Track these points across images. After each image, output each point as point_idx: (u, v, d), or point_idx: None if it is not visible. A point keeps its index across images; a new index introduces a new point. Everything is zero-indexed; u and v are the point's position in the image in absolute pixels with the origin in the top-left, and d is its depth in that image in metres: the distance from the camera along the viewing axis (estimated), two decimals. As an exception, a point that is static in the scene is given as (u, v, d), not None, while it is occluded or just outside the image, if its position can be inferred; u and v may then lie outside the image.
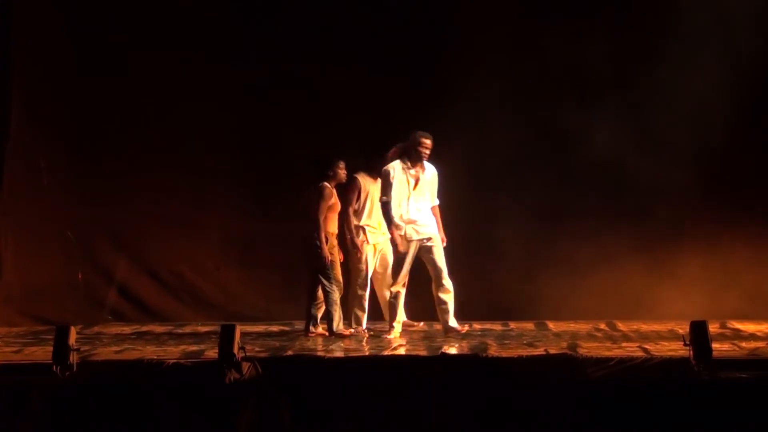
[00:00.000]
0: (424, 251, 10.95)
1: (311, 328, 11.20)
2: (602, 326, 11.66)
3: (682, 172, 12.30)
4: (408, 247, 10.87)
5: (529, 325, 11.75)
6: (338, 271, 11.13)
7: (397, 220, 10.87)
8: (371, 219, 11.38)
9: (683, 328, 8.98)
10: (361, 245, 11.34)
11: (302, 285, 11.42)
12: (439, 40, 12.68)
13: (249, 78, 12.71)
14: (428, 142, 10.97)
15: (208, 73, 12.78)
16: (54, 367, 8.63)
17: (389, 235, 11.20)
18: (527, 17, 12.59)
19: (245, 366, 8.66)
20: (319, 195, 11.07)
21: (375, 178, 11.38)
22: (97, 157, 12.98)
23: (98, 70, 12.87)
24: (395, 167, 10.96)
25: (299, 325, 11.89)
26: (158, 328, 12.11)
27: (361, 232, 11.37)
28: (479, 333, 11.19)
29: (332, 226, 11.15)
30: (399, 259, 10.93)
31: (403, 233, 10.87)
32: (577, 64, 12.55)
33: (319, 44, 12.70)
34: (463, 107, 12.16)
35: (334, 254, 11.12)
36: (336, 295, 11.05)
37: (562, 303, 12.18)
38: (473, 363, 8.89)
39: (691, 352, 8.56)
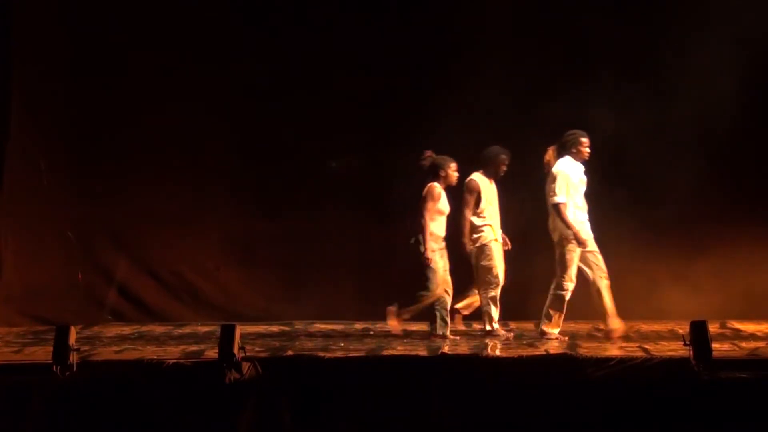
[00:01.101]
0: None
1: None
2: (602, 326, 11.65)
3: (683, 172, 12.29)
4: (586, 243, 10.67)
5: (529, 325, 11.73)
6: (445, 274, 10.87)
7: (571, 220, 10.62)
8: (493, 221, 11.25)
9: (683, 328, 8.98)
10: (486, 242, 11.14)
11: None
12: (439, 40, 12.68)
13: (249, 78, 12.71)
14: (588, 140, 10.80)
15: (208, 73, 12.78)
16: (54, 367, 8.61)
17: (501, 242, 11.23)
18: (527, 15, 12.58)
19: (245, 366, 8.65)
20: (428, 195, 10.84)
21: (490, 179, 11.28)
22: (97, 157, 12.97)
23: (98, 70, 12.87)
24: (567, 165, 10.76)
25: (299, 325, 11.90)
26: (158, 328, 12.10)
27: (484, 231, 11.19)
28: (479, 333, 11.19)
29: (438, 228, 10.89)
30: (570, 258, 10.65)
31: (582, 234, 10.64)
32: (577, 62, 12.57)
33: (319, 44, 12.70)
34: (463, 107, 12.14)
35: (442, 258, 10.86)
36: (430, 299, 10.78)
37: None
38: (473, 363, 8.89)
39: (691, 352, 8.55)
